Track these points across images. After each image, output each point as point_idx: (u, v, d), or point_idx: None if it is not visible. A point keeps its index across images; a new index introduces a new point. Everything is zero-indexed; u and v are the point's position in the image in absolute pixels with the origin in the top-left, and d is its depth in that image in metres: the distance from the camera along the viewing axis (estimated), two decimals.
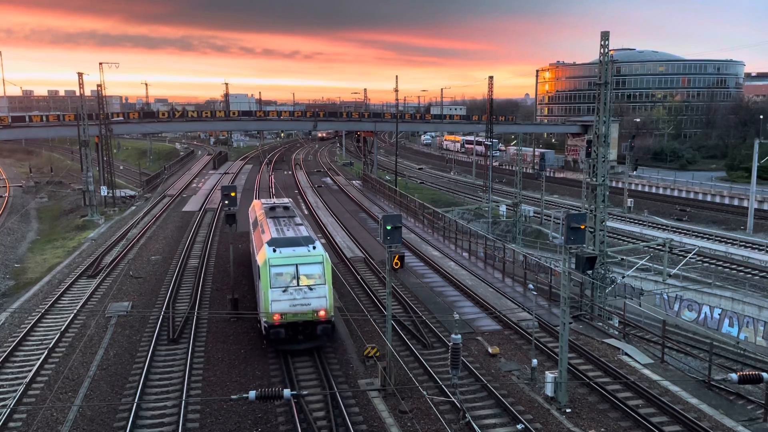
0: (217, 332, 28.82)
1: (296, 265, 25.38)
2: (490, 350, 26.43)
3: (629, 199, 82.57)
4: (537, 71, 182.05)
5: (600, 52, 33.27)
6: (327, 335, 25.70)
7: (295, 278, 25.21)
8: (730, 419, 20.73)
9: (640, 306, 39.36)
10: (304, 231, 29.25)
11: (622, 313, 30.40)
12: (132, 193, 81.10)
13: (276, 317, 24.76)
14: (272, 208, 34.44)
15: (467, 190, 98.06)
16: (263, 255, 25.99)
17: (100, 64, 72.10)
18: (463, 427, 20.11)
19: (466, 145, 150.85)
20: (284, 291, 24.93)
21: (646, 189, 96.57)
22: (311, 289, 25.15)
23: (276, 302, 24.79)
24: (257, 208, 36.56)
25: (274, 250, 25.86)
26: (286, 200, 39.38)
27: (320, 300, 25.23)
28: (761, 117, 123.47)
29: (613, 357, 26.08)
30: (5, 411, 20.85)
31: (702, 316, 40.86)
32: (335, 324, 27.02)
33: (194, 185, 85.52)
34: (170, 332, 28.29)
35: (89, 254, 44.93)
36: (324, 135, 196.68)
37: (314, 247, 26.40)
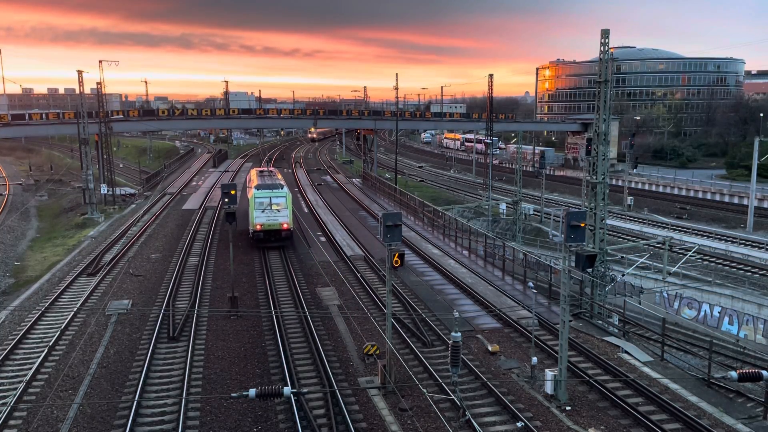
0: (217, 330, 28.85)
1: (270, 197, 43.68)
2: (489, 348, 26.45)
3: (629, 197, 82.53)
4: (537, 69, 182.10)
5: (600, 50, 33.22)
6: (287, 238, 44.47)
7: (269, 205, 43.61)
8: (730, 417, 20.75)
9: (639, 304, 39.36)
10: (277, 182, 47.59)
11: (622, 311, 30.41)
12: (132, 191, 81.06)
13: (258, 226, 43.67)
14: (261, 171, 55.25)
15: (467, 188, 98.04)
16: (252, 192, 44.78)
17: (100, 62, 72.05)
18: (462, 424, 20.13)
19: (466, 143, 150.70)
20: (263, 211, 43.64)
21: (646, 187, 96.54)
22: (278, 211, 43.78)
23: (258, 217, 43.66)
24: (252, 172, 56.62)
25: (258, 190, 44.27)
26: (271, 168, 61.58)
27: (284, 217, 43.97)
28: (761, 115, 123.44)
29: (612, 355, 26.10)
30: (6, 409, 20.86)
31: (702, 314, 40.86)
32: (293, 232, 45.30)
33: (194, 183, 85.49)
34: (170, 330, 28.31)
35: (89, 252, 44.94)
36: (315, 135, 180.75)
37: (281, 189, 44.73)
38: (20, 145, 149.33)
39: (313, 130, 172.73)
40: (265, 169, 58.73)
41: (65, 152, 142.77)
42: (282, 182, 48.05)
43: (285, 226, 43.85)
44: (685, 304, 41.74)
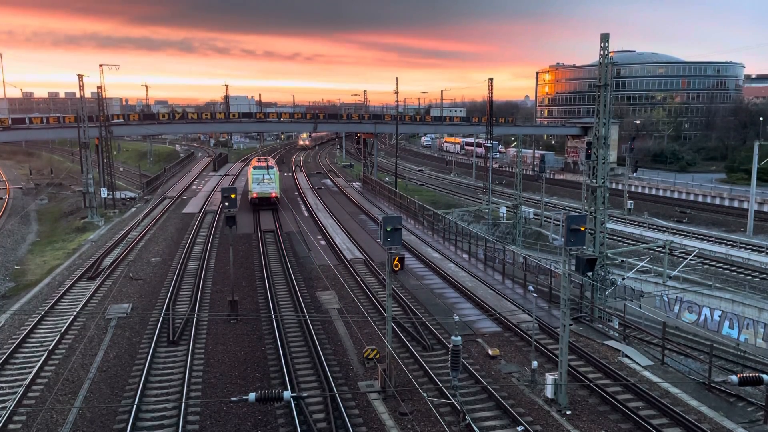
0: (216, 334, 28.82)
1: (263, 175, 62.69)
2: (490, 352, 26.42)
3: (629, 201, 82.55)
4: (537, 73, 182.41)
5: (600, 54, 33.30)
6: (275, 204, 62.64)
7: (262, 179, 62.52)
8: (731, 421, 20.72)
9: (640, 308, 39.33)
10: (269, 165, 65.26)
11: (622, 314, 30.38)
12: (132, 194, 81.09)
13: (254, 195, 62.83)
14: (259, 159, 72.77)
15: (467, 192, 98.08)
16: (251, 170, 64.88)
17: (101, 66, 72.34)
18: (463, 429, 20.10)
19: (466, 147, 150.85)
20: (258, 184, 62.58)
21: (646, 191, 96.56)
22: (268, 184, 62.58)
23: (255, 188, 62.81)
24: (254, 159, 75.35)
25: (255, 169, 63.89)
26: (267, 157, 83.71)
27: (273, 189, 62.89)
28: (761, 119, 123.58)
29: (613, 359, 26.07)
30: (5, 413, 20.83)
31: (702, 317, 40.81)
32: (279, 200, 64.20)
33: (194, 187, 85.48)
34: (170, 334, 28.28)
35: (89, 256, 44.92)
36: (308, 143, 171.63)
37: (272, 169, 63.71)
38: (21, 148, 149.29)
39: (305, 136, 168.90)
40: (263, 157, 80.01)
41: (66, 156, 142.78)
42: (273, 165, 66.08)
43: (273, 195, 62.79)
44: (686, 307, 41.69)
